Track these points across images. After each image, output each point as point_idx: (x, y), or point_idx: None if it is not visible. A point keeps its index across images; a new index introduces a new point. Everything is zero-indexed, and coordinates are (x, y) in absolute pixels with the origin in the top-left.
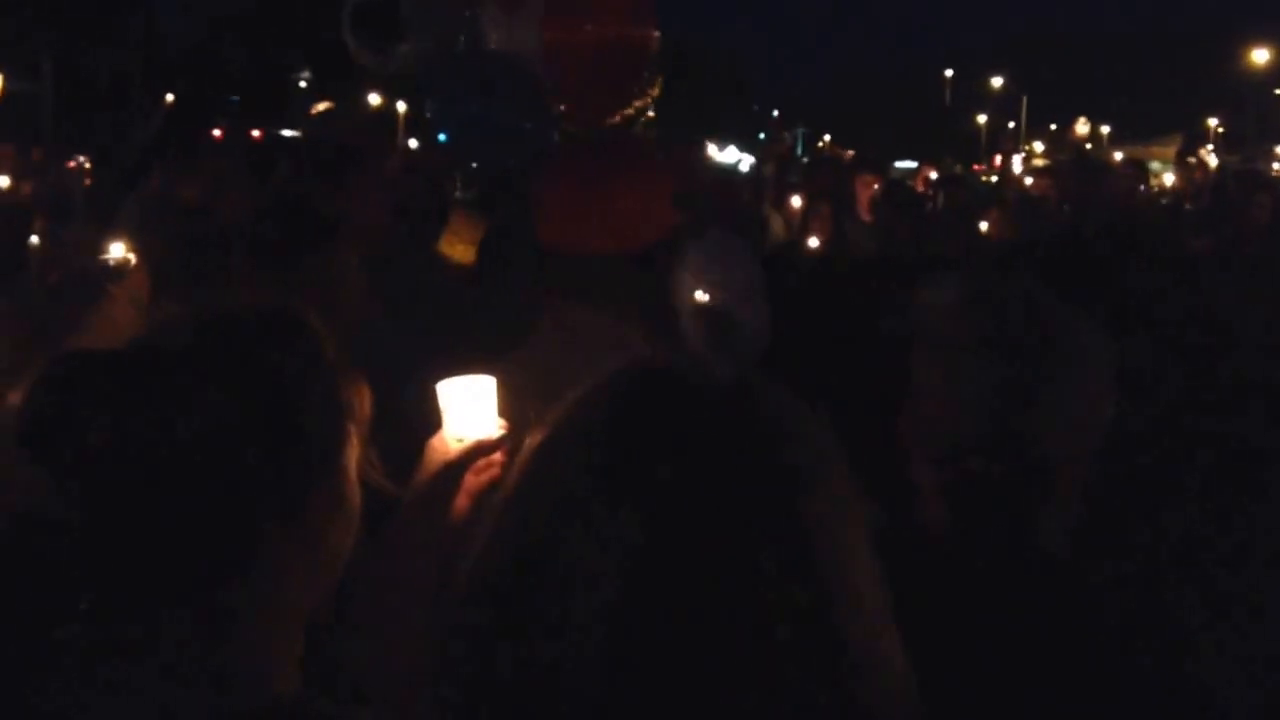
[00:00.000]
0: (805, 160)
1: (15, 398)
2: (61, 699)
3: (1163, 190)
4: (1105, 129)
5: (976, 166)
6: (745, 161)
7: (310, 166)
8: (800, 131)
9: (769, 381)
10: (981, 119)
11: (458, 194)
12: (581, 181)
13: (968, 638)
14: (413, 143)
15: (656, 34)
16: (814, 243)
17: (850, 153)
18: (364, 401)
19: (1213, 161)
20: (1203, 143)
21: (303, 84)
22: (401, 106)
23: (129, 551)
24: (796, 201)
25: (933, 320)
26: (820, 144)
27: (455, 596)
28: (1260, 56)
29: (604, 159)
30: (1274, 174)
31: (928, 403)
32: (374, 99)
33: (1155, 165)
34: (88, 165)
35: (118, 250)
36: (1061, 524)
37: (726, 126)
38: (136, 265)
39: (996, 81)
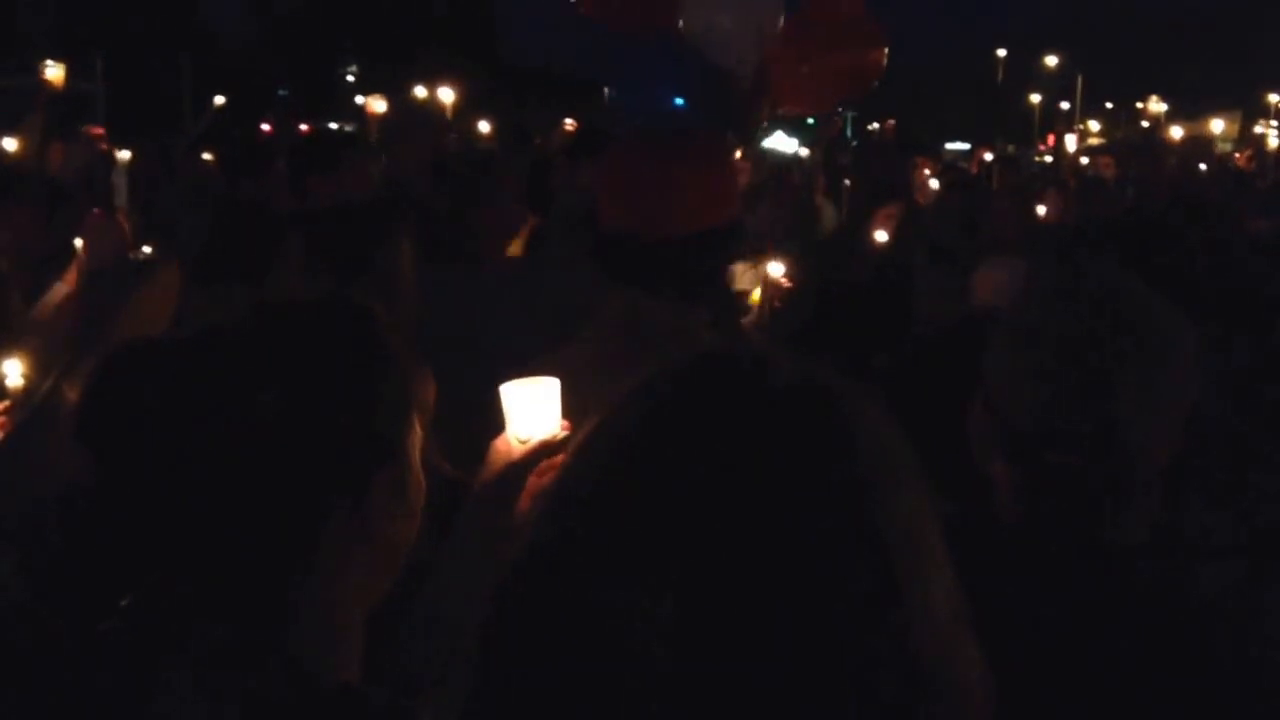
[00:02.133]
0: (855, 144)
1: (72, 391)
2: (111, 690)
3: (1225, 167)
4: (1162, 106)
5: (1042, 146)
6: (793, 146)
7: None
8: (849, 114)
9: (843, 379)
10: (1035, 99)
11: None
12: (644, 165)
13: (1039, 633)
14: (485, 126)
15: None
16: (882, 236)
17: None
18: (428, 391)
19: (1274, 138)
20: (1263, 119)
21: (350, 78)
22: (448, 96)
23: (188, 541)
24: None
25: (1009, 308)
26: (870, 128)
27: (500, 586)
28: None
29: (666, 143)
30: None
31: (1002, 393)
32: (420, 91)
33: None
34: (130, 157)
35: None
36: (1142, 517)
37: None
38: (168, 258)
39: (1051, 60)
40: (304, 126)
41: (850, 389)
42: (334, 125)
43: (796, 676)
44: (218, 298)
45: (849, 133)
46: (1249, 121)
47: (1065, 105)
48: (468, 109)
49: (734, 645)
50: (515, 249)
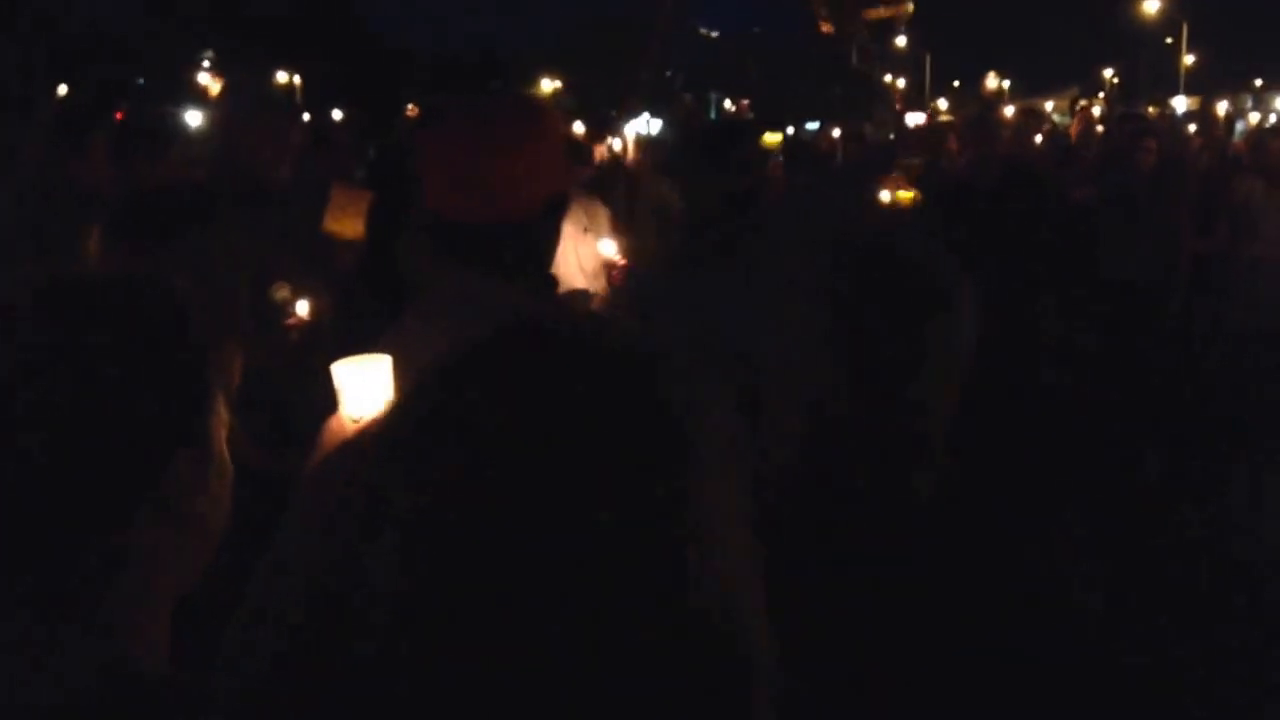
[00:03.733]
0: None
1: None
2: None
3: (1056, 140)
4: (1005, 84)
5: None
6: (656, 128)
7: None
8: (713, 96)
9: (679, 351)
10: (888, 79)
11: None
12: (465, 146)
13: (839, 586)
14: (338, 114)
15: None
16: None
17: (745, 104)
18: (236, 373)
19: (1097, 110)
20: (1098, 93)
21: (206, 63)
22: (297, 79)
23: None
24: None
25: (803, 275)
26: (734, 108)
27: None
28: (1151, 6)
29: (487, 122)
30: (1159, 119)
31: (796, 352)
32: (282, 76)
33: (1058, 118)
34: None
35: None
36: (929, 471)
37: (639, 94)
38: None
39: (900, 41)
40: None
41: (677, 360)
42: (196, 112)
43: (585, 659)
44: (13, 277)
45: (713, 115)
46: (1085, 96)
47: (902, 83)
48: (329, 94)
49: (516, 612)
50: (354, 229)
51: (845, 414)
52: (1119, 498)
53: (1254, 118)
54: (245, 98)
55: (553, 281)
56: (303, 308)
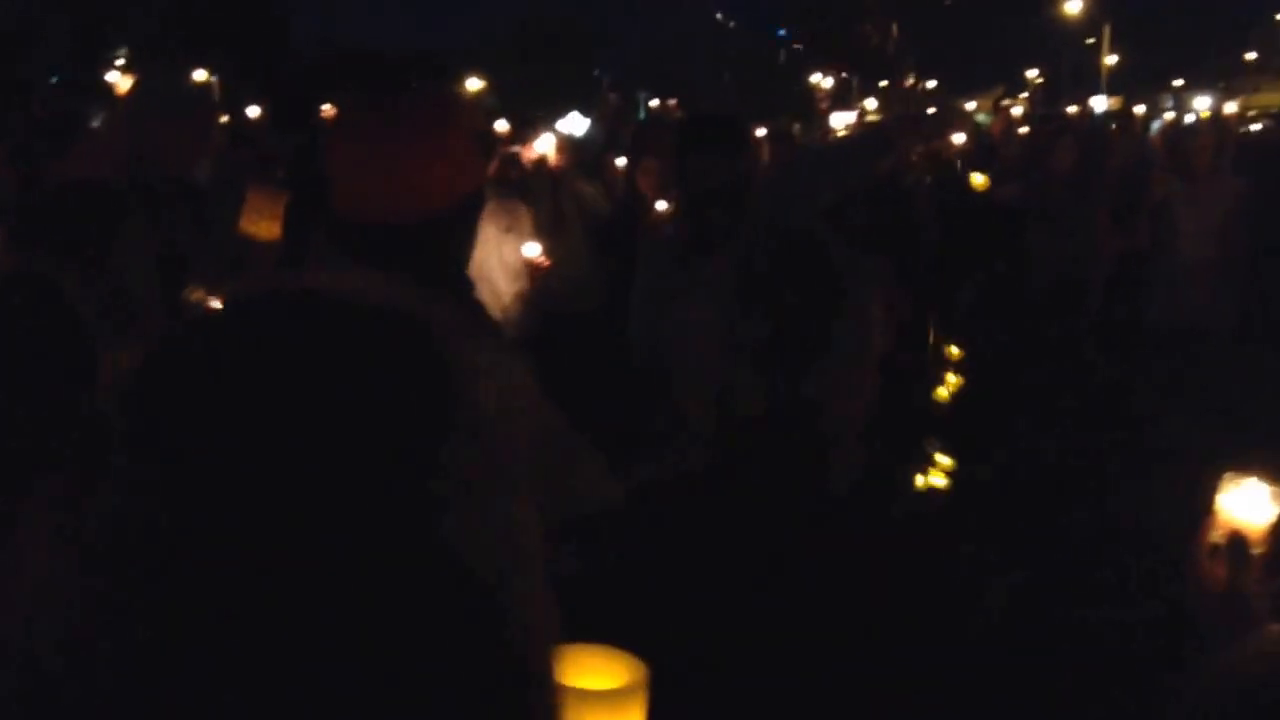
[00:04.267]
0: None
1: None
2: None
3: (979, 140)
4: (932, 83)
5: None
6: (584, 127)
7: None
8: (642, 95)
9: (454, 315)
10: (816, 78)
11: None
12: (367, 148)
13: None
14: (254, 111)
15: None
16: (661, 205)
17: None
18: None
19: (1017, 110)
20: (1021, 93)
21: (120, 61)
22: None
23: None
24: (621, 162)
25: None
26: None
27: None
28: (1073, 7)
29: (391, 120)
30: (1077, 118)
31: (701, 345)
32: (199, 75)
33: (981, 117)
34: None
35: None
36: (845, 470)
37: (568, 94)
38: None
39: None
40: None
41: (448, 323)
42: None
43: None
44: None
45: (641, 114)
46: (1010, 95)
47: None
48: (246, 93)
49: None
50: (270, 230)
51: (752, 412)
52: (1022, 494)
53: (1169, 116)
54: (160, 92)
55: (468, 283)
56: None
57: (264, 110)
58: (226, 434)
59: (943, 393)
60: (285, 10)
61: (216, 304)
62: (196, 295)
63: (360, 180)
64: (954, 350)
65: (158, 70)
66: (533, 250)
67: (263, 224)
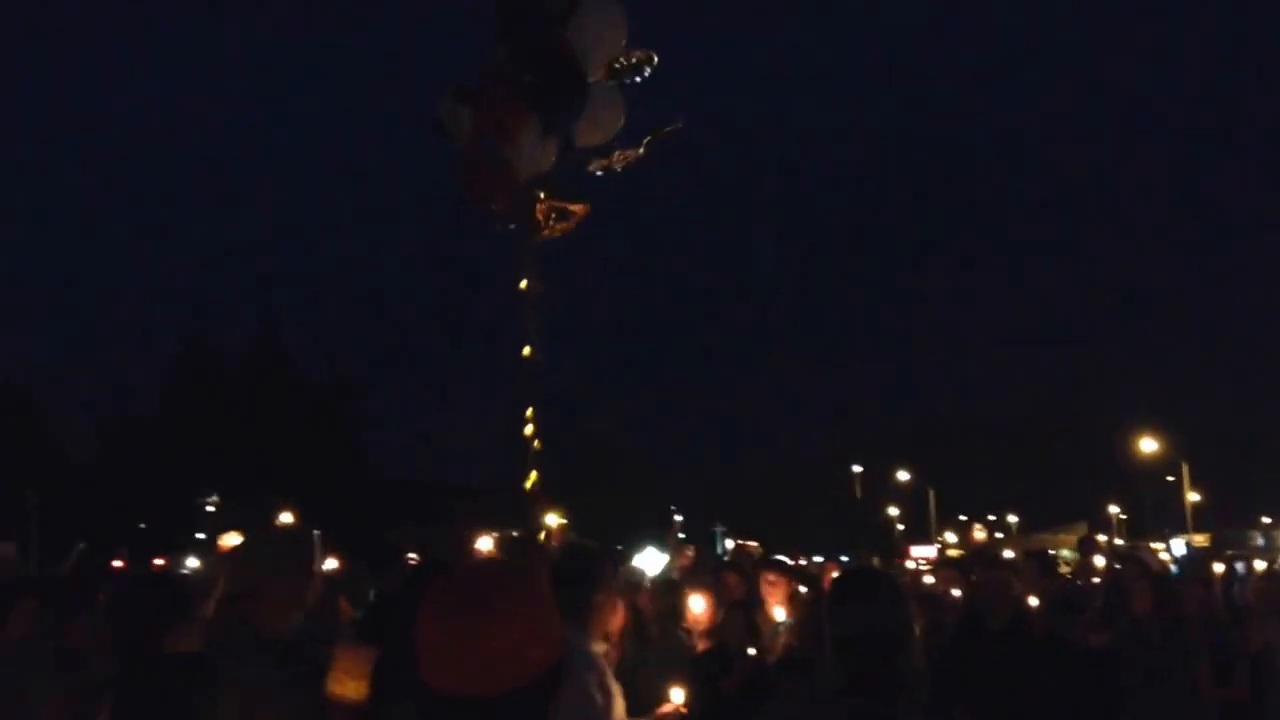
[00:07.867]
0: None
1: None
2: None
3: (1062, 588)
4: (1013, 518)
5: (897, 560)
6: (660, 565)
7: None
8: (719, 530)
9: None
10: (893, 511)
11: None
12: (454, 620)
13: None
14: (331, 563)
15: None
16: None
17: (755, 546)
18: None
19: (1099, 560)
20: (1105, 530)
21: (210, 508)
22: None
23: None
24: (699, 604)
25: None
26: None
27: None
28: (1148, 446)
29: (473, 599)
30: (1156, 559)
31: None
32: (286, 518)
33: (1065, 553)
34: None
35: None
36: None
37: (642, 529)
38: None
39: (903, 475)
40: (159, 561)
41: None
42: (194, 562)
43: None
44: None
45: (719, 549)
46: (1093, 532)
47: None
48: (327, 536)
49: None
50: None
51: None
52: None
53: (1258, 564)
54: (267, 550)
55: None
56: None
57: (341, 559)
58: None
59: None
60: (363, 443)
61: None
62: None
63: (453, 655)
64: None
65: (255, 519)
66: (678, 696)
67: (350, 684)
